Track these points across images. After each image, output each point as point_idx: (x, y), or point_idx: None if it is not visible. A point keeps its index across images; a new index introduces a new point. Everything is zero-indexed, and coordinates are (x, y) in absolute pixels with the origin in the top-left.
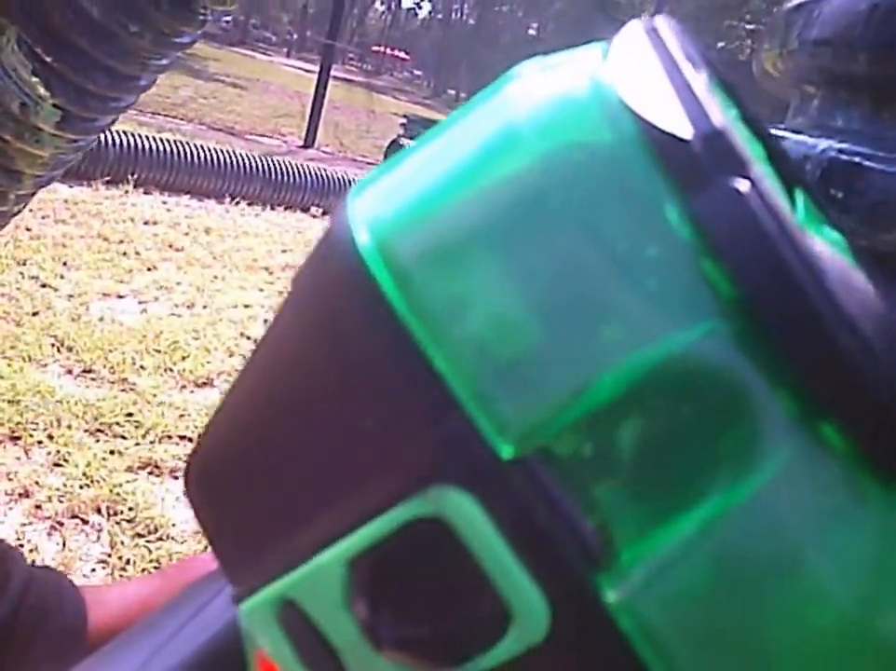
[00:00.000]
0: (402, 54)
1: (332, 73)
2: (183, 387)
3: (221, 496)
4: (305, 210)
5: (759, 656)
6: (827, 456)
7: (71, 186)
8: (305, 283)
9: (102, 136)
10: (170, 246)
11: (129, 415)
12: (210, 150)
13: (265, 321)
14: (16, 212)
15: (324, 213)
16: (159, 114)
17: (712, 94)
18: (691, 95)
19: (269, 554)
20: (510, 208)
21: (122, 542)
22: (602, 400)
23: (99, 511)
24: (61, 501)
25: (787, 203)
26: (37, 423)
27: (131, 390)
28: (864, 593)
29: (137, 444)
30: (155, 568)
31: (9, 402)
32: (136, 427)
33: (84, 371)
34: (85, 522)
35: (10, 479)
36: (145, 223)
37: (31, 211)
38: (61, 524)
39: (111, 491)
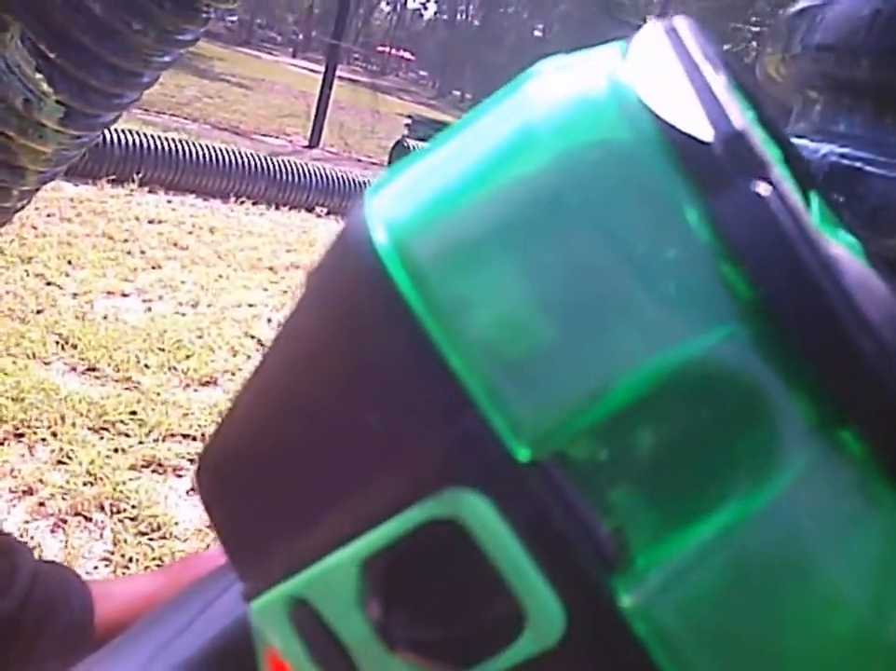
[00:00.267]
0: (407, 55)
1: (338, 73)
2: (187, 385)
3: (233, 493)
4: (310, 209)
5: (774, 661)
6: (845, 461)
7: (76, 185)
8: (320, 281)
9: (108, 135)
10: (175, 245)
11: (133, 413)
12: (214, 149)
13: (269, 320)
14: (19, 208)
15: (329, 213)
16: (164, 113)
17: (732, 96)
18: (711, 96)
19: (282, 553)
20: (527, 207)
21: (125, 540)
22: (619, 404)
23: (102, 508)
24: (64, 499)
25: (804, 206)
26: (41, 420)
27: (135, 388)
28: (879, 598)
29: (141, 442)
30: (158, 566)
31: (14, 399)
32: (140, 425)
33: (88, 369)
34: (88, 520)
35: (14, 476)
36: (150, 222)
37: (36, 209)
38: (65, 521)
39: (114, 489)
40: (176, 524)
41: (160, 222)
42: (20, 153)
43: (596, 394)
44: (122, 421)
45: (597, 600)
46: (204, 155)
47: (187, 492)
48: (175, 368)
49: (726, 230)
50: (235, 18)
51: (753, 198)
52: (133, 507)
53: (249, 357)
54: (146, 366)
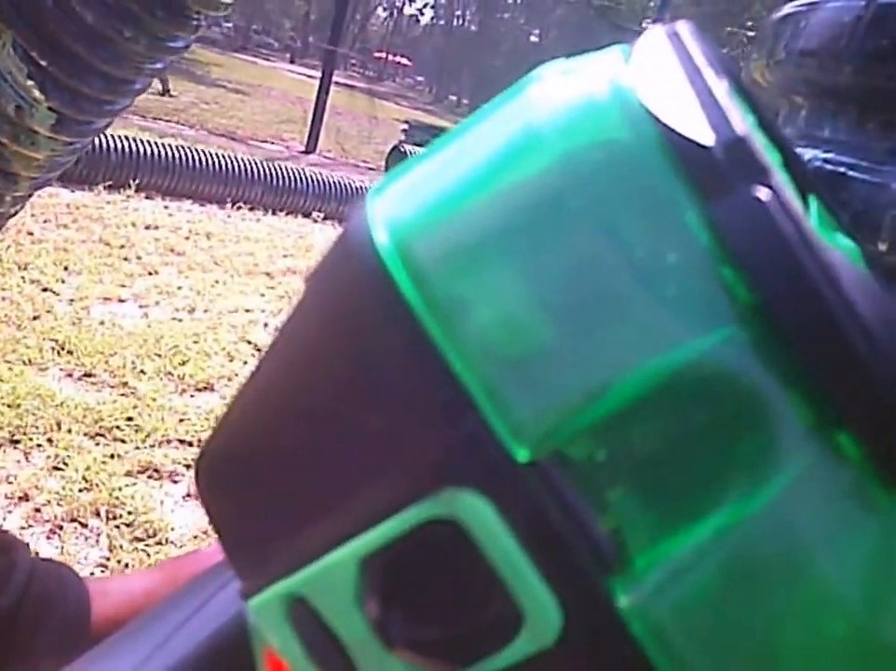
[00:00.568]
0: (404, 60)
1: (334, 78)
2: (183, 391)
3: (232, 491)
4: (307, 215)
5: (769, 661)
6: (842, 464)
7: (72, 191)
8: (321, 282)
9: (104, 141)
10: (172, 251)
11: (129, 419)
12: (211, 155)
13: (266, 325)
14: (13, 214)
15: (326, 219)
16: (161, 119)
17: (734, 100)
18: (713, 101)
19: (280, 551)
20: (528, 209)
21: (121, 546)
22: (617, 405)
23: (98, 514)
24: (60, 505)
25: (804, 211)
26: (37, 427)
27: (131, 394)
28: (873, 600)
29: (137, 448)
30: None
31: (9, 405)
32: (136, 431)
33: (84, 375)
34: (84, 526)
35: (10, 483)
36: (147, 227)
37: (32, 215)
38: (61, 527)
39: (110, 495)
40: (172, 529)
41: (157, 227)
42: (12, 159)
43: (595, 394)
44: (118, 427)
45: (594, 600)
46: (201, 160)
47: (183, 498)
48: (171, 374)
49: (726, 234)
50: (231, 24)
51: (753, 203)
52: (129, 513)
53: (245, 362)
54: (142, 372)
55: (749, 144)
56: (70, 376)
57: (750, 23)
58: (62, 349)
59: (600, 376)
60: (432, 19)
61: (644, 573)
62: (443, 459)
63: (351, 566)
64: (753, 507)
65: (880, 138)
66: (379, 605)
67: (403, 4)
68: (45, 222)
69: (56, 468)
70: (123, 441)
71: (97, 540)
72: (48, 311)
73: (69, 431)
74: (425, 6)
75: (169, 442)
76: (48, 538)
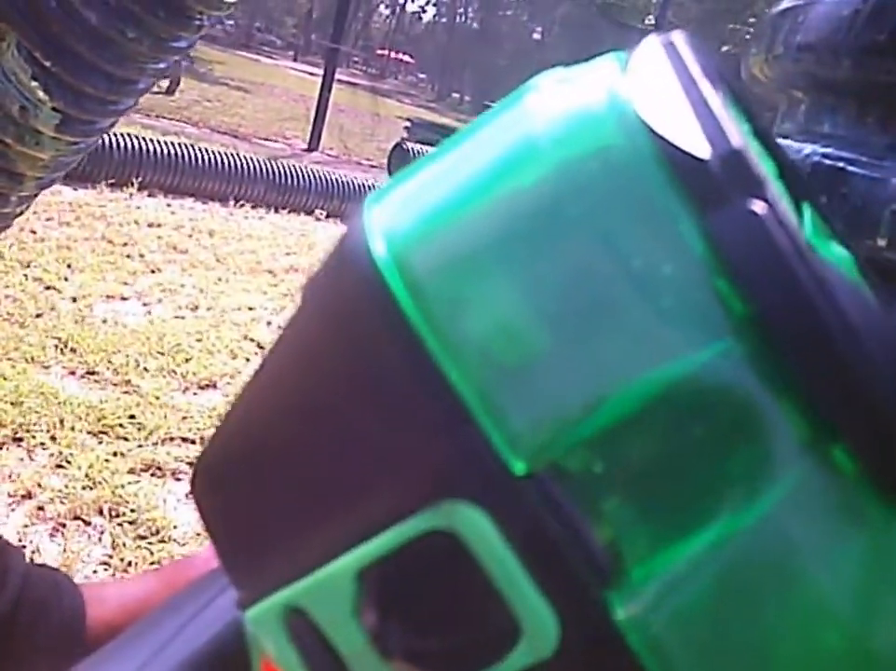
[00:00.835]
0: (407, 58)
1: (337, 76)
2: (186, 389)
3: (229, 500)
4: (310, 213)
5: None
6: (836, 478)
7: (75, 189)
8: (318, 291)
9: (107, 139)
10: (174, 248)
11: (132, 417)
12: (214, 153)
13: (269, 323)
14: (18, 214)
15: (328, 216)
16: (164, 117)
17: (729, 112)
18: (709, 113)
19: (277, 561)
20: (525, 220)
21: (124, 544)
22: (614, 417)
23: (101, 512)
24: (63, 503)
25: (798, 221)
26: (40, 425)
27: (134, 391)
28: (867, 613)
29: (140, 445)
30: None
31: (12, 403)
32: (139, 429)
33: (87, 373)
34: (87, 524)
35: (13, 480)
36: (149, 225)
37: (35, 213)
38: (64, 525)
39: (113, 493)
40: (175, 527)
41: (159, 225)
42: (17, 159)
43: (591, 407)
44: (121, 425)
45: (592, 612)
46: (203, 158)
47: (186, 496)
48: (174, 372)
49: (721, 246)
50: (234, 21)
51: (748, 216)
52: (132, 511)
53: (248, 360)
54: (145, 370)
55: (744, 157)
56: (73, 373)
57: (752, 20)
58: (65, 346)
59: (596, 389)
60: (435, 16)
61: (640, 585)
62: (441, 471)
63: (349, 577)
64: (749, 519)
65: (879, 133)
66: (377, 616)
67: (406, 1)
68: (48, 220)
69: (59, 466)
70: (126, 439)
71: (100, 538)
72: (51, 309)
73: (72, 428)
74: (427, 3)
75: (171, 439)
76: (51, 536)
